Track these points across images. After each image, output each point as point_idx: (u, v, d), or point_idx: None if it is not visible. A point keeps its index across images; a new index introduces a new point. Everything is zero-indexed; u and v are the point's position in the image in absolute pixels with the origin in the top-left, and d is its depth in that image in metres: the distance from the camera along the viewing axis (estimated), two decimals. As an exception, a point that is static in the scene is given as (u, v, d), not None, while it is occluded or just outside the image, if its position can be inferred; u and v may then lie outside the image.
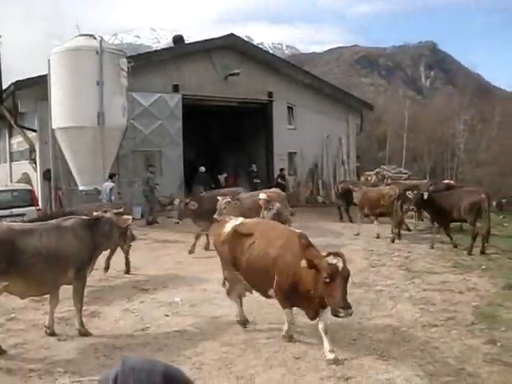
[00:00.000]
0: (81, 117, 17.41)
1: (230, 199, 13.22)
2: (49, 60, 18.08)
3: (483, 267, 12.06)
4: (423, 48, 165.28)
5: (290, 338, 7.14)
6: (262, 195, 11.82)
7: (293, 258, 6.63)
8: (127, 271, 11.79)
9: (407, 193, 15.29)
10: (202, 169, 22.27)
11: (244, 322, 7.87)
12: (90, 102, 17.37)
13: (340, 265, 6.11)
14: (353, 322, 8.09)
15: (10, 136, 24.51)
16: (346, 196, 19.86)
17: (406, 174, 33.16)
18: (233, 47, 24.94)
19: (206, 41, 24.99)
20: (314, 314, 6.76)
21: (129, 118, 19.38)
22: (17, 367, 6.44)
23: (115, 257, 12.04)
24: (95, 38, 17.94)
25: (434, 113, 64.83)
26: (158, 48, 28.63)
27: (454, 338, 7.41)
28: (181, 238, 15.71)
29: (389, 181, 26.79)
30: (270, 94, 26.08)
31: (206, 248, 14.09)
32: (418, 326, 7.97)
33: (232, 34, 25.56)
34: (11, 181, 22.69)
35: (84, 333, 7.53)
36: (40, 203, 17.86)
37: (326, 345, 6.58)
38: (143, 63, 21.04)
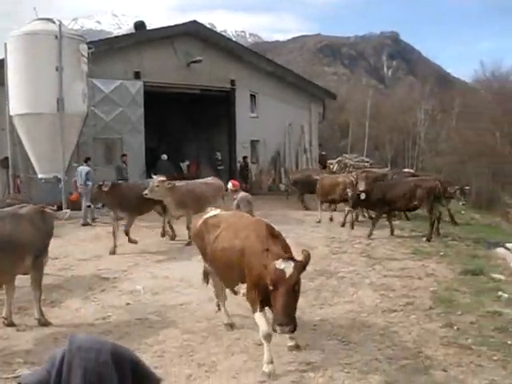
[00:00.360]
0: (39, 103, 17.03)
1: (164, 178, 13.09)
2: (5, 44, 17.60)
3: (441, 254, 12.33)
4: (385, 38, 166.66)
5: (270, 363, 5.90)
6: (230, 185, 11.74)
7: (262, 249, 5.82)
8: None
9: (347, 191, 15.58)
10: (165, 156, 22.10)
11: (231, 326, 7.29)
12: (48, 88, 16.99)
13: (289, 271, 5.32)
14: (314, 309, 8.20)
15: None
16: (299, 186, 20.43)
17: (367, 162, 33.50)
18: (195, 34, 24.72)
19: (169, 27, 24.72)
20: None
21: (89, 104, 19.06)
22: (-26, 358, 6.33)
23: (73, 246, 11.93)
24: (54, 23, 17.52)
25: (396, 102, 65.60)
26: (120, 34, 28.11)
27: (412, 323, 7.57)
28: (143, 225, 15.58)
29: (351, 169, 27.17)
30: (233, 82, 25.97)
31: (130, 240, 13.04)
32: (378, 311, 8.12)
33: (195, 21, 25.34)
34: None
35: (44, 322, 7.43)
36: (-2, 191, 17.49)
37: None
38: (104, 49, 20.69)
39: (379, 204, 14.67)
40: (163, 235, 14.29)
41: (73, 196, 17.16)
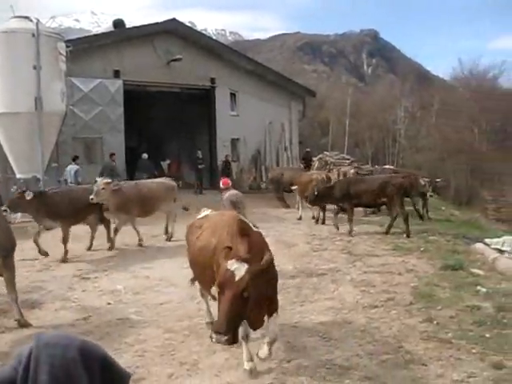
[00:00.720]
0: (17, 102, 16.81)
1: (109, 180, 12.48)
2: (-19, 42, 17.37)
3: (422, 249, 12.43)
4: (365, 36, 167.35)
5: (250, 360, 5.81)
6: (220, 183, 11.33)
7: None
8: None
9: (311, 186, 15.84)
10: (145, 156, 22.00)
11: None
12: (26, 87, 16.78)
13: (239, 274, 4.71)
14: (295, 306, 8.22)
15: None
16: (277, 183, 20.61)
17: (348, 159, 33.62)
18: (175, 32, 24.66)
19: (148, 25, 24.64)
20: (256, 322, 5.57)
21: (68, 103, 18.90)
22: (-49, 361, 6.24)
23: (55, 247, 11.81)
24: (31, 21, 17.30)
25: (376, 100, 65.95)
26: (99, 32, 27.93)
27: (393, 318, 7.63)
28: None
29: (331, 166, 27.28)
30: (213, 80, 25.95)
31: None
32: (359, 307, 8.16)
33: (174, 19, 25.25)
34: None
35: (23, 324, 7.35)
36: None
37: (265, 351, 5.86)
38: (83, 48, 20.54)
39: (344, 199, 14.72)
40: (110, 248, 12.73)
41: None
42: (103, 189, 12.08)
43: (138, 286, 9.44)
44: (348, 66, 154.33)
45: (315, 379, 5.71)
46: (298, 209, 17.57)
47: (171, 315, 7.81)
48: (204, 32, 56.42)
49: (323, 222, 16.06)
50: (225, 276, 4.75)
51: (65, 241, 11.67)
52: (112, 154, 20.09)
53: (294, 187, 17.35)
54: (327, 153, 36.00)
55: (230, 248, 5.10)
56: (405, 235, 14.15)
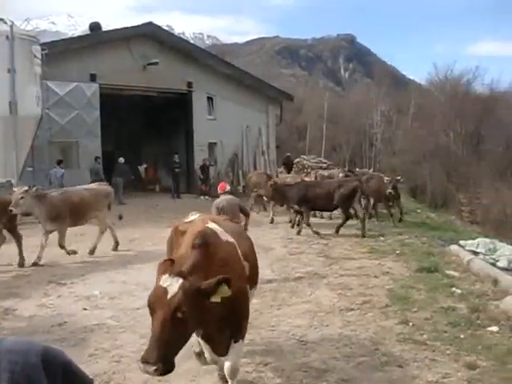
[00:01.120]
0: (-9, 106, 16.66)
1: (27, 188, 11.36)
2: (-47, 45, 17.14)
3: (397, 252, 12.55)
4: (342, 40, 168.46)
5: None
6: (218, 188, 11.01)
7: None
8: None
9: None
10: (122, 160, 21.88)
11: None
12: (0, 91, 16.62)
13: (172, 291, 3.91)
14: (272, 309, 8.23)
15: None
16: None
17: (325, 163, 33.83)
18: (152, 36, 24.60)
19: (124, 29, 24.56)
20: (219, 348, 4.86)
21: (43, 107, 18.73)
22: None
23: (27, 252, 11.67)
24: (5, 23, 17.15)
25: (353, 104, 66.39)
26: (75, 35, 27.72)
27: (369, 321, 7.68)
28: (98, 230, 15.39)
29: (309, 170, 27.49)
30: (190, 84, 25.91)
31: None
32: (336, 310, 8.20)
33: (151, 23, 25.22)
34: None
35: None
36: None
37: None
38: (59, 51, 20.37)
39: (300, 203, 14.90)
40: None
41: None
42: (22, 198, 10.97)
43: (115, 291, 9.35)
44: (325, 70, 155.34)
45: (292, 382, 5.72)
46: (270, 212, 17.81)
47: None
48: (181, 36, 56.43)
49: (298, 225, 16.11)
50: (156, 294, 3.99)
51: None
52: (97, 158, 20.51)
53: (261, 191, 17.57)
54: (304, 156, 36.23)
55: (171, 261, 4.31)
56: (382, 238, 14.30)
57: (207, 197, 23.50)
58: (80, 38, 24.25)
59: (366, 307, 8.30)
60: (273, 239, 14.23)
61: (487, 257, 13.64)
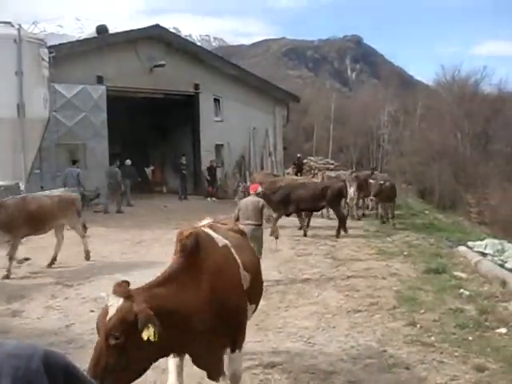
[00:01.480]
0: (-1, 108, 16.71)
1: None
2: (-38, 48, 17.22)
3: (405, 253, 12.51)
4: (348, 41, 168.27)
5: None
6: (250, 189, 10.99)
7: None
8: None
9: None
10: (128, 162, 21.91)
11: None
12: (8, 93, 16.64)
13: (111, 312, 3.57)
14: (280, 311, 8.22)
15: None
16: None
17: (332, 164, 33.80)
18: (158, 38, 24.63)
19: (131, 31, 24.57)
20: (209, 369, 4.51)
21: (51, 109, 18.77)
22: None
23: (36, 253, 11.70)
24: (13, 26, 17.21)
25: (360, 105, 66.25)
26: (82, 38, 27.79)
27: (376, 322, 7.66)
28: (106, 232, 15.44)
29: (316, 171, 27.46)
30: (197, 86, 25.93)
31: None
32: (343, 312, 8.19)
33: (157, 25, 25.23)
34: None
35: None
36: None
37: None
38: (66, 53, 20.42)
39: (284, 204, 14.93)
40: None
41: None
42: None
43: (122, 292, 9.34)
44: (332, 71, 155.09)
45: (299, 384, 5.71)
46: None
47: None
48: (188, 38, 56.48)
49: (307, 226, 16.06)
50: (100, 314, 3.71)
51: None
52: (116, 160, 21.01)
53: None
54: (312, 158, 36.19)
55: (128, 282, 3.85)
56: (388, 239, 14.28)
57: (214, 198, 23.53)
58: (87, 40, 24.28)
59: (374, 309, 8.28)
60: (280, 240, 14.17)
61: (495, 258, 13.53)
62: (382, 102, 60.41)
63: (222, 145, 27.29)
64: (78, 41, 25.68)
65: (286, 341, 6.97)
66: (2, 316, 7.48)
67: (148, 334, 3.46)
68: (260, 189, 10.64)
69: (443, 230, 17.62)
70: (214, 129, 26.52)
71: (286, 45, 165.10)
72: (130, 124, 28.14)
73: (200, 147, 26.47)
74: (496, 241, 15.61)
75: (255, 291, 5.04)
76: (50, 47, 18.37)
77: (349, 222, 17.24)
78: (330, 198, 14.98)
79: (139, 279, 10.03)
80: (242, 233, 5.60)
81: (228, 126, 26.88)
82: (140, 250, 13.55)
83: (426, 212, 23.45)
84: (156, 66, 23.77)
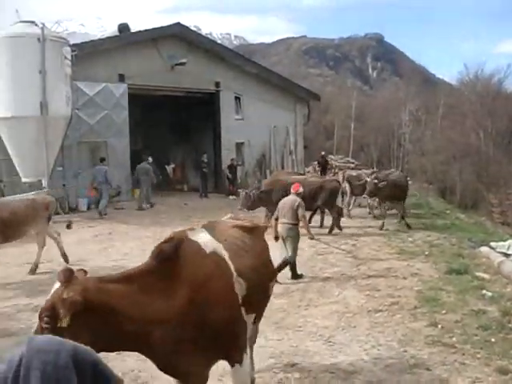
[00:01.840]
0: (22, 106, 16.86)
1: None
2: (-13, 47, 17.45)
3: (426, 253, 12.40)
4: (370, 39, 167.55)
5: None
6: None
7: None
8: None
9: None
10: (149, 159, 22.01)
11: None
12: (32, 92, 16.85)
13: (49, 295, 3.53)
14: (299, 310, 8.20)
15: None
16: None
17: (353, 163, 33.65)
18: (180, 36, 24.70)
19: (153, 30, 24.63)
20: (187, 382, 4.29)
21: (73, 107, 18.94)
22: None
23: (57, 250, 11.79)
24: (37, 25, 17.40)
25: (381, 103, 65.89)
26: (104, 37, 27.96)
27: (397, 322, 7.61)
28: (126, 229, 15.55)
29: (336, 170, 27.30)
30: (218, 84, 25.97)
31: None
32: (364, 311, 8.15)
33: (179, 23, 25.30)
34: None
35: None
36: (-19, 196, 17.28)
37: None
38: (88, 52, 20.55)
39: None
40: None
41: (90, 193, 19.53)
42: None
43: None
44: (353, 69, 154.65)
45: (319, 384, 5.70)
46: None
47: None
48: (209, 36, 56.53)
49: (321, 226, 15.95)
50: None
51: None
52: (148, 156, 21.62)
53: None
54: (332, 156, 36.07)
55: (84, 271, 3.79)
56: (410, 240, 14.17)
57: (235, 197, 23.55)
58: (109, 39, 24.40)
59: (395, 308, 8.23)
60: (300, 239, 14.16)
61: (519, 259, 13.37)
62: (403, 100, 59.88)
63: (242, 143, 27.32)
64: (99, 39, 25.84)
65: (305, 340, 6.95)
66: (24, 311, 7.55)
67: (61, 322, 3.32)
68: (301, 189, 10.60)
69: (465, 230, 17.41)
70: (234, 127, 26.56)
71: (307, 43, 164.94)
72: (151, 122, 28.27)
73: (221, 145, 26.51)
74: (519, 241, 15.40)
75: (255, 299, 4.53)
76: (72, 46, 18.51)
77: (369, 221, 17.23)
78: (325, 198, 14.93)
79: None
80: (252, 230, 5.15)
81: (249, 124, 26.91)
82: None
83: (448, 212, 23.19)
84: (177, 64, 23.84)
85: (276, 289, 9.13)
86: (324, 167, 27.96)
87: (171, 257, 3.93)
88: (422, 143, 56.38)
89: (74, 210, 19.34)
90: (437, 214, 19.88)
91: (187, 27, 26.64)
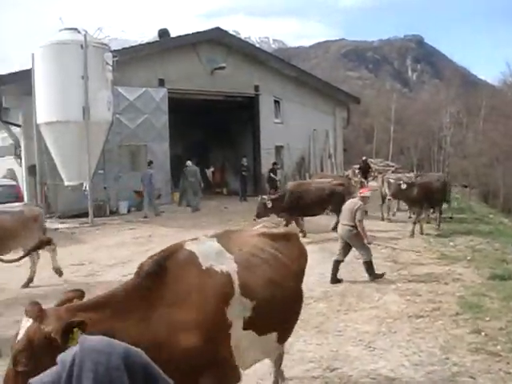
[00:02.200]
0: (66, 111, 17.27)
1: None
2: (32, 54, 17.90)
3: (468, 258, 12.12)
4: (409, 41, 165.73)
5: None
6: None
7: None
8: None
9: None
10: (189, 163, 22.20)
11: None
12: (74, 97, 17.24)
13: (20, 334, 3.00)
14: (339, 314, 8.13)
15: (-5, 132, 24.24)
16: None
17: (392, 166, 33.31)
18: (219, 41, 24.86)
19: (192, 34, 24.85)
20: None
21: (114, 112, 19.25)
22: None
23: (99, 252, 11.98)
24: (79, 32, 17.80)
25: (421, 106, 65.10)
26: (144, 42, 28.35)
27: (439, 328, 7.46)
28: (166, 232, 15.68)
29: (376, 173, 27.00)
30: (257, 88, 26.05)
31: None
32: (404, 316, 8.02)
33: (218, 28, 25.48)
34: (-4, 176, 22.44)
35: None
36: (25, 199, 17.70)
37: None
38: (128, 57, 20.88)
39: (292, 210, 14.80)
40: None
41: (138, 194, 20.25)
42: None
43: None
44: (392, 72, 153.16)
45: (359, 390, 5.63)
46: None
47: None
48: (247, 40, 56.76)
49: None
50: (12, 339, 3.05)
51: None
52: (188, 159, 22.05)
53: None
54: (372, 160, 35.77)
55: (81, 292, 3.56)
56: (451, 243, 13.93)
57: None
58: (149, 44, 24.74)
59: (436, 314, 8.07)
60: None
61: None
62: (443, 102, 59.01)
63: (282, 146, 27.32)
64: (140, 45, 26.23)
65: (345, 344, 6.88)
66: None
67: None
68: (368, 193, 10.58)
69: (509, 235, 17.01)
70: (273, 130, 26.58)
71: (346, 46, 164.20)
72: (190, 126, 28.52)
73: (260, 149, 26.56)
74: None
75: (264, 319, 3.93)
76: (113, 51, 18.84)
77: (409, 226, 16.96)
78: (335, 203, 14.62)
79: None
80: (283, 237, 4.72)
81: (288, 127, 26.91)
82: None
83: (491, 216, 22.73)
84: (216, 69, 24.01)
85: (315, 293, 9.13)
86: (365, 171, 27.48)
87: (155, 273, 3.50)
88: (463, 146, 55.43)
89: (115, 212, 19.64)
90: (479, 219, 19.48)
91: (226, 31, 26.82)
